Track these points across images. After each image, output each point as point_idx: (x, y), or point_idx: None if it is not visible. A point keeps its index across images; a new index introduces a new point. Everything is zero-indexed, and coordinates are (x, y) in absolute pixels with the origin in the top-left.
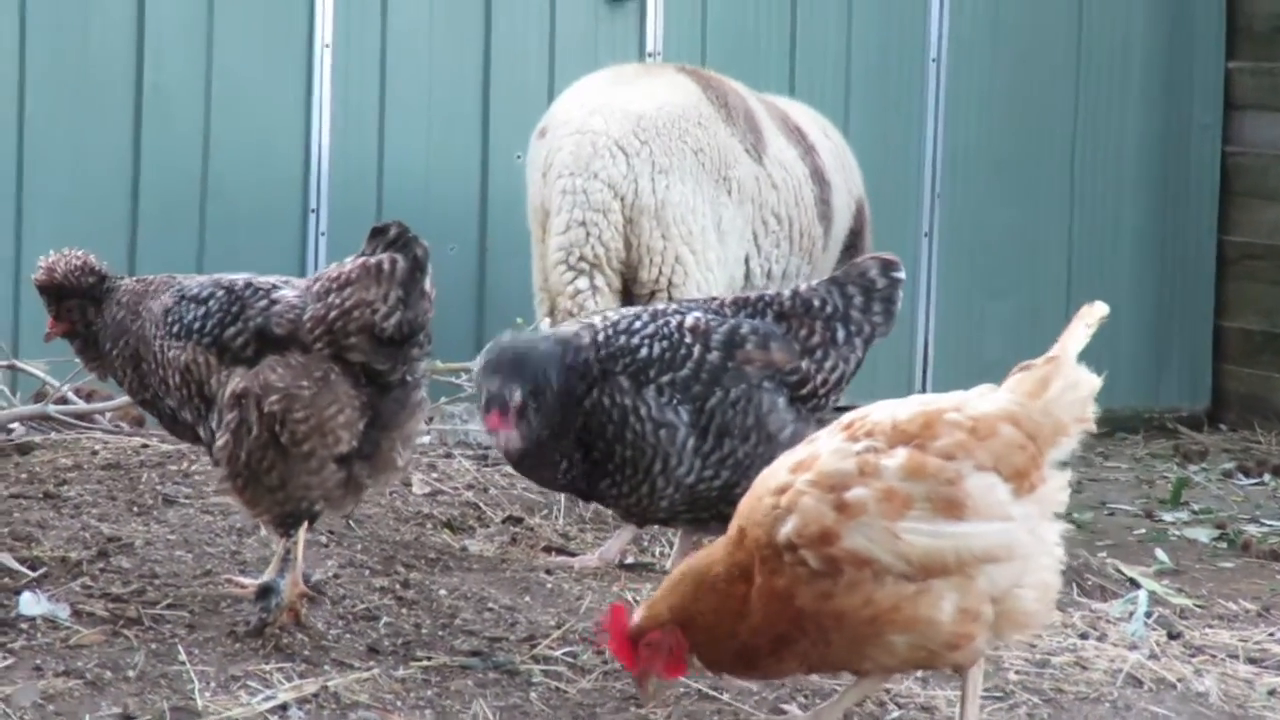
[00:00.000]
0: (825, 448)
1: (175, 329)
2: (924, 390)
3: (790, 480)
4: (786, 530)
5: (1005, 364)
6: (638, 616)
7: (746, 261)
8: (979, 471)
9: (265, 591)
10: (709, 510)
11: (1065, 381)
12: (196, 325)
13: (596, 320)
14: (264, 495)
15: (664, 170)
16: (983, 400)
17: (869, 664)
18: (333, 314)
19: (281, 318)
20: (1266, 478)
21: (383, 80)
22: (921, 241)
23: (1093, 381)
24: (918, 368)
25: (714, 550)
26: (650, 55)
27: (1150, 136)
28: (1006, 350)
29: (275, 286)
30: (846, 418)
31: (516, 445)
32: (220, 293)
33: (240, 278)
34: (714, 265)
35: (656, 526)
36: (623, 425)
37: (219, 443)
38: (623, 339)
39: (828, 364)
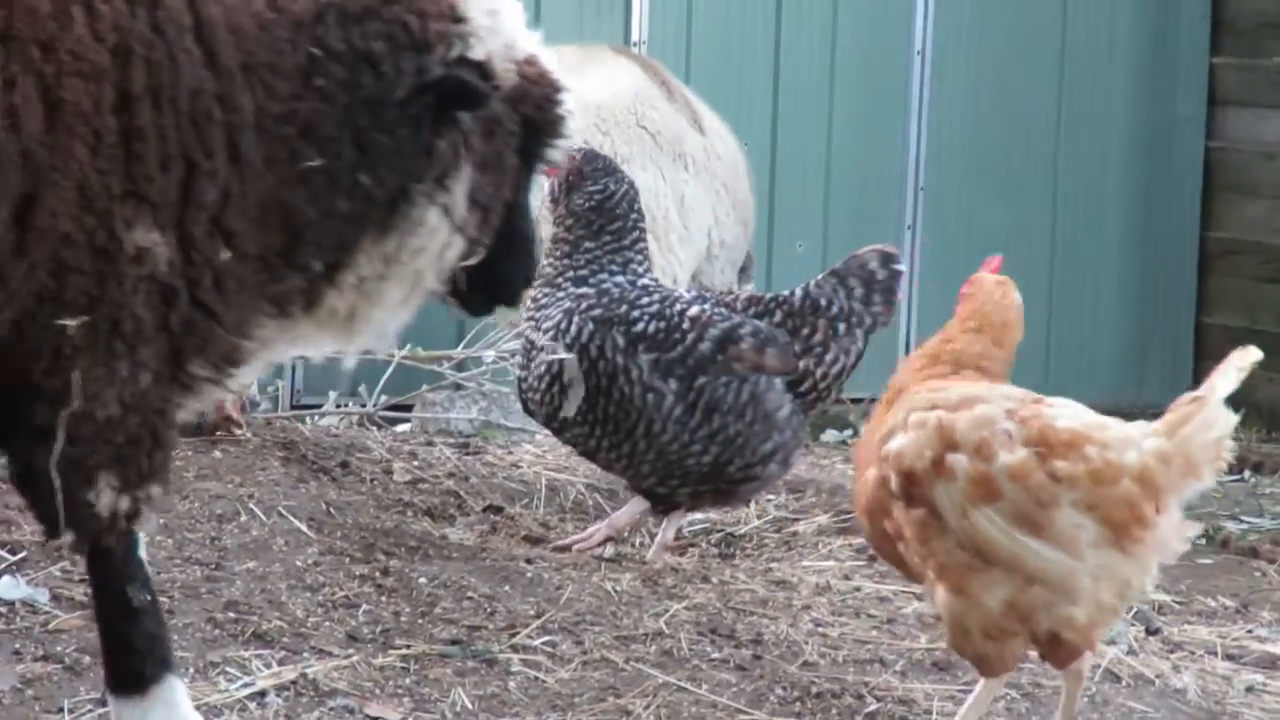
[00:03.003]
0: (982, 408)
1: None
2: None
3: (928, 413)
4: (890, 445)
5: None
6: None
7: (709, 233)
8: (1075, 509)
9: None
10: (707, 484)
11: (1203, 422)
12: None
13: (609, 283)
14: None
15: (626, 159)
16: (1129, 447)
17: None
18: None
19: None
20: (1247, 474)
21: None
22: (905, 234)
23: (1229, 421)
24: (899, 360)
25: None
26: (636, 45)
27: (1134, 132)
28: None
29: None
30: (1028, 396)
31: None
32: None
33: None
34: (676, 246)
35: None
36: (610, 381)
37: None
38: (623, 309)
39: (828, 358)
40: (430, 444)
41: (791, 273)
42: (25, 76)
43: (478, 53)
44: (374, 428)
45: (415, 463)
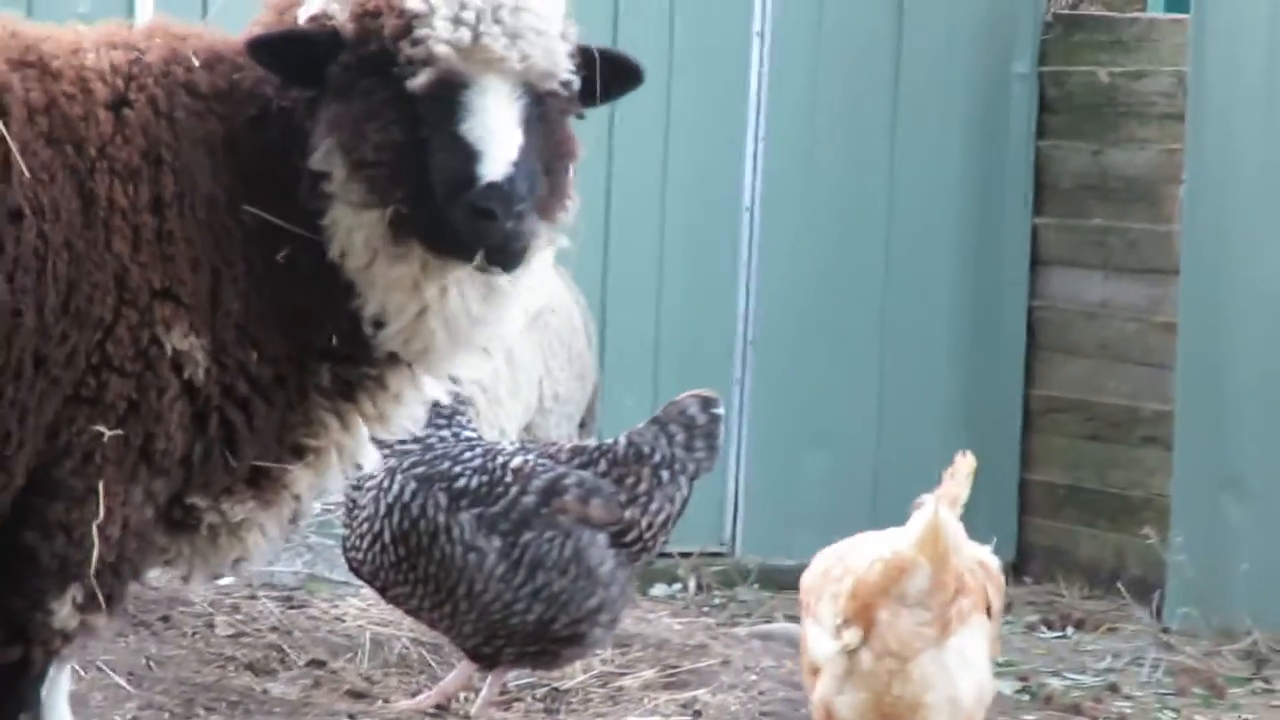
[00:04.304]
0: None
1: None
2: (734, 538)
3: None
4: None
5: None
6: None
7: (540, 385)
8: None
9: None
10: (532, 645)
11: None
12: None
13: (434, 437)
14: None
15: None
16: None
17: None
18: None
19: None
20: (1069, 631)
21: None
22: (734, 388)
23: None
24: (726, 513)
25: None
26: None
27: (960, 290)
28: (819, 499)
29: None
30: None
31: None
32: None
33: None
34: (504, 398)
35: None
36: (431, 540)
37: None
38: (445, 464)
39: (653, 506)
40: (253, 597)
41: (621, 426)
42: (62, 172)
43: (305, 12)
44: (181, 576)
45: (238, 616)
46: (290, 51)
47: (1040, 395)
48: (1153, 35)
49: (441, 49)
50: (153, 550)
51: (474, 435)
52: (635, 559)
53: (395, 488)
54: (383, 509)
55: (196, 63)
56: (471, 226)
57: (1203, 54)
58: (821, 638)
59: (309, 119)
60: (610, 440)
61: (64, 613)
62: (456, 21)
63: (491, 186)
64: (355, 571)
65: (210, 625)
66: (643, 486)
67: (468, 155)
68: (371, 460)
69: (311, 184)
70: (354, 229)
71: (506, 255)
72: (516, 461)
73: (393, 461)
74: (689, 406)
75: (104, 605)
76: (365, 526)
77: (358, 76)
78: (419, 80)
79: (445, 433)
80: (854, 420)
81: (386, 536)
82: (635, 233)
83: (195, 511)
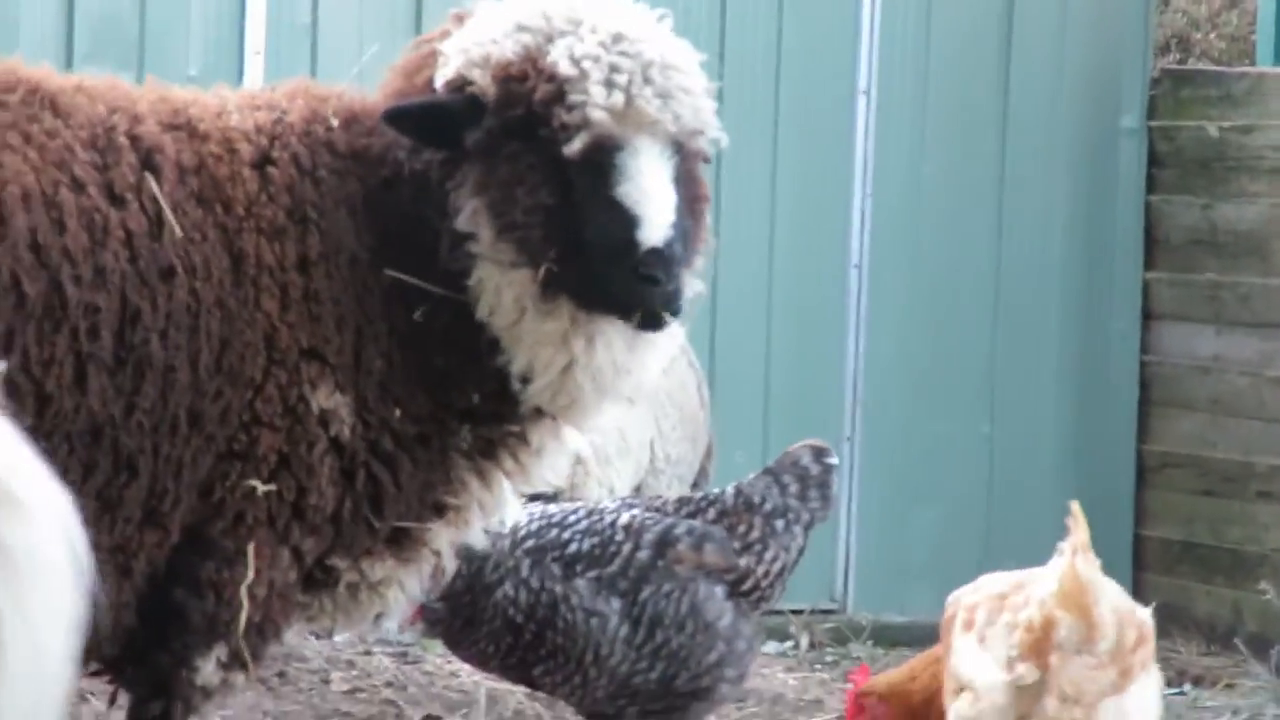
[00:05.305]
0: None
1: None
2: (845, 595)
3: None
4: None
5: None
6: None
7: (651, 446)
8: None
9: None
10: (656, 703)
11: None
12: None
13: (523, 515)
14: None
15: None
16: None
17: None
18: None
19: None
20: (1187, 687)
21: None
22: (844, 445)
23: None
24: (837, 568)
25: None
26: None
27: (1069, 346)
28: (930, 555)
29: None
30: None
31: (428, 632)
32: None
33: None
34: (613, 458)
35: None
36: (553, 611)
37: None
38: (554, 533)
39: (768, 555)
40: (369, 653)
41: (733, 483)
42: (213, 230)
43: (442, 77)
44: (311, 635)
45: (353, 671)
46: (429, 119)
47: (1153, 450)
48: (1262, 89)
49: (597, 114)
50: (295, 609)
51: (567, 505)
52: (755, 608)
53: (513, 570)
54: (508, 593)
55: (336, 123)
56: (633, 290)
57: None
58: (985, 663)
59: (447, 180)
60: (717, 490)
61: (208, 670)
62: (609, 85)
63: (654, 253)
64: (482, 665)
65: (326, 681)
66: (755, 534)
67: (626, 219)
68: (513, 513)
69: (454, 244)
70: (503, 287)
71: (663, 316)
72: (625, 518)
73: (503, 544)
74: (802, 456)
75: (247, 664)
76: (491, 613)
77: (503, 140)
78: (574, 146)
79: (524, 514)
80: (964, 476)
81: (519, 618)
82: (743, 291)
83: (335, 571)
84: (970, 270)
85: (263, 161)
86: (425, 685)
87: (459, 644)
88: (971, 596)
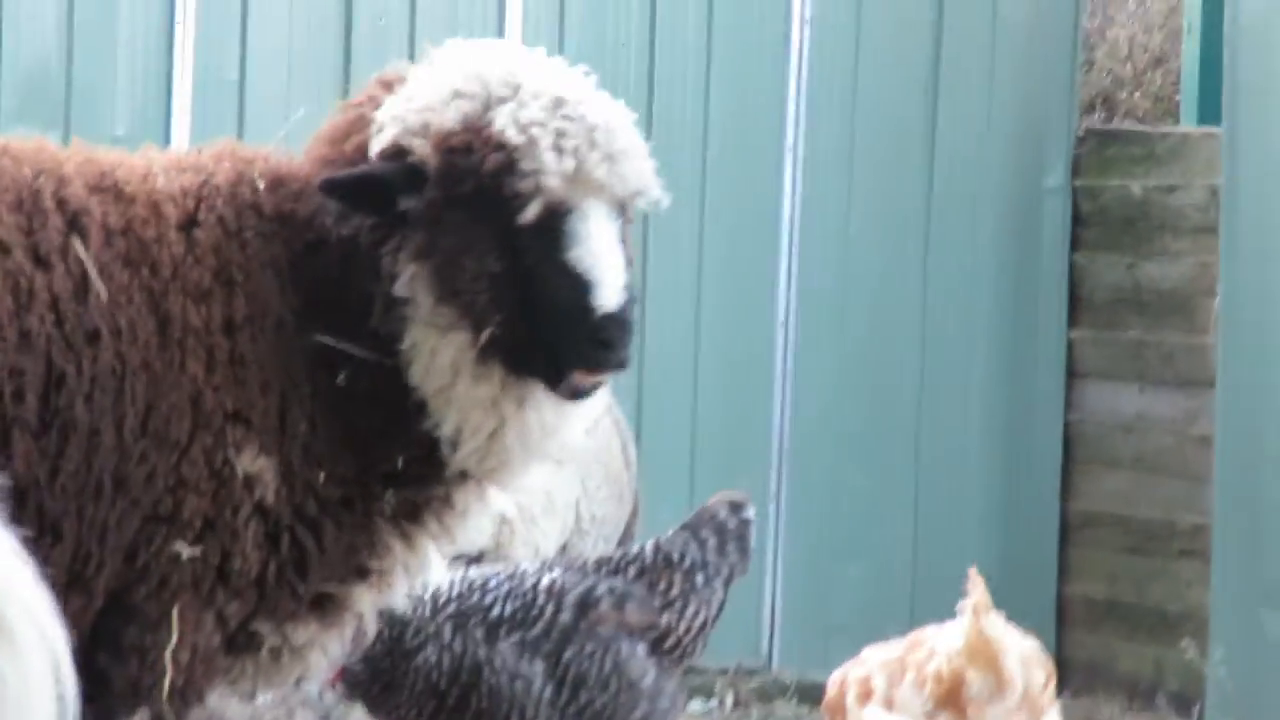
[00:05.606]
0: None
1: None
2: (771, 652)
3: None
4: None
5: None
6: None
7: (577, 506)
8: None
9: None
10: None
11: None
12: None
13: (446, 582)
14: None
15: None
16: None
17: None
18: None
19: None
20: None
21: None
22: (770, 505)
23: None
24: (762, 625)
25: None
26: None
27: (994, 405)
28: (856, 611)
29: None
30: None
31: (348, 695)
32: None
33: None
34: (539, 517)
35: None
36: (476, 675)
37: None
38: (476, 596)
39: (689, 611)
40: (290, 714)
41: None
42: (139, 293)
43: (378, 145)
44: (233, 696)
45: None
46: (365, 189)
47: (1077, 509)
48: (1186, 148)
49: (550, 181)
50: (218, 672)
51: (488, 570)
52: (677, 665)
53: (435, 635)
54: (429, 658)
55: (262, 185)
56: (588, 355)
57: (1235, 166)
58: None
59: (381, 245)
60: (636, 548)
61: None
62: (559, 150)
63: (610, 318)
64: None
65: None
66: (675, 590)
67: (580, 284)
68: (435, 575)
69: (387, 307)
70: (438, 350)
71: (592, 387)
72: (546, 581)
73: (424, 610)
74: (719, 511)
75: None
76: (413, 678)
77: (446, 210)
78: (528, 214)
79: (446, 581)
80: (890, 533)
81: (442, 683)
82: (670, 348)
83: (258, 636)
84: (896, 328)
85: (189, 224)
86: None
87: (380, 708)
88: (859, 670)
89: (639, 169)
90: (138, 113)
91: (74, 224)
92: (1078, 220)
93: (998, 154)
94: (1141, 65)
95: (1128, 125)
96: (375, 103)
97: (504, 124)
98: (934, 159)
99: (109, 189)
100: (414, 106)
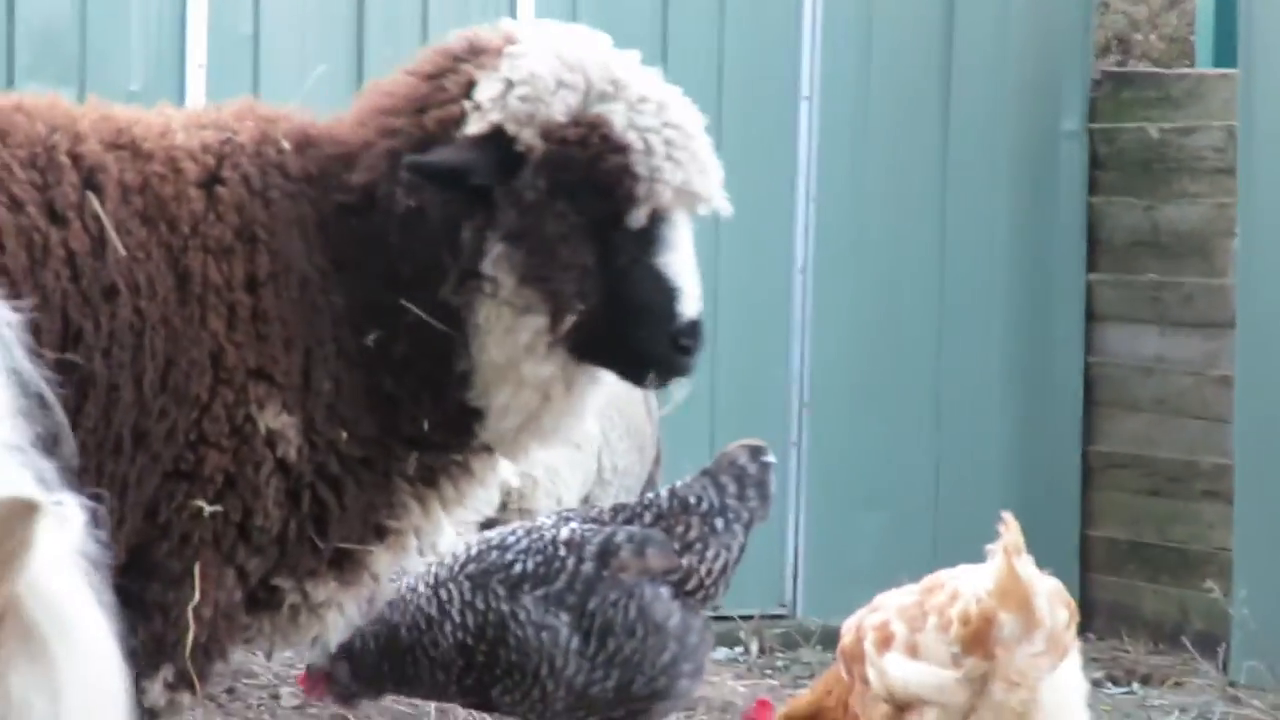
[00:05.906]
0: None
1: None
2: (794, 600)
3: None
4: None
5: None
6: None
7: (599, 457)
8: None
9: None
10: (617, 710)
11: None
12: None
13: (468, 542)
14: None
15: None
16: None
17: None
18: None
19: None
20: (1135, 686)
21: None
22: (790, 450)
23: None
24: (786, 569)
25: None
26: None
27: (1014, 349)
28: (877, 559)
29: None
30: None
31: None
32: None
33: None
34: (562, 468)
35: None
36: (502, 630)
37: None
38: (495, 555)
39: (709, 553)
40: None
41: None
42: (157, 249)
43: (476, 128)
44: (259, 651)
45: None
46: (462, 173)
47: (1098, 451)
48: (1201, 90)
49: (663, 189)
50: (239, 629)
51: (504, 529)
52: (701, 606)
53: (455, 595)
54: (455, 620)
55: (287, 145)
56: (669, 357)
57: (1251, 107)
58: (925, 670)
59: (463, 219)
60: (652, 494)
61: (155, 691)
62: (673, 161)
63: (694, 325)
64: (439, 697)
65: (275, 697)
66: (694, 534)
67: (667, 290)
68: (446, 540)
69: (461, 280)
70: (513, 329)
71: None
72: (564, 533)
73: (441, 572)
74: (739, 456)
75: (194, 684)
76: (443, 642)
77: (549, 198)
78: (639, 217)
79: (465, 541)
80: (911, 480)
81: (469, 640)
82: None
83: (279, 592)
84: (914, 274)
85: (210, 181)
86: (375, 700)
87: (401, 686)
88: (875, 616)
89: (719, 182)
90: (152, 68)
91: (89, 180)
92: (1095, 164)
93: (1014, 98)
94: (1156, 7)
95: (1143, 68)
96: (456, 76)
97: (621, 126)
98: (950, 104)
99: (126, 145)
100: (518, 94)
